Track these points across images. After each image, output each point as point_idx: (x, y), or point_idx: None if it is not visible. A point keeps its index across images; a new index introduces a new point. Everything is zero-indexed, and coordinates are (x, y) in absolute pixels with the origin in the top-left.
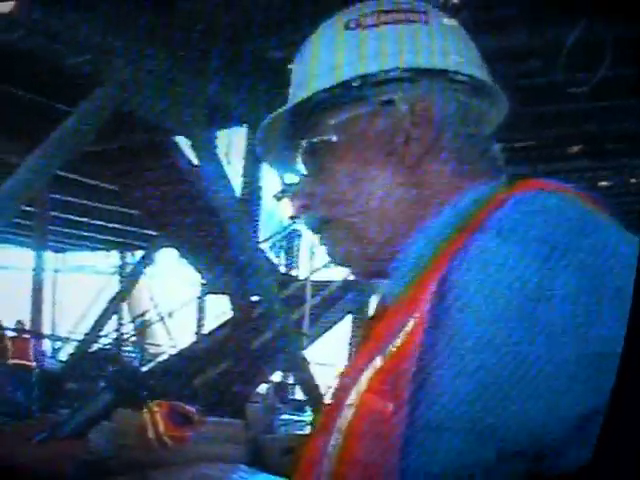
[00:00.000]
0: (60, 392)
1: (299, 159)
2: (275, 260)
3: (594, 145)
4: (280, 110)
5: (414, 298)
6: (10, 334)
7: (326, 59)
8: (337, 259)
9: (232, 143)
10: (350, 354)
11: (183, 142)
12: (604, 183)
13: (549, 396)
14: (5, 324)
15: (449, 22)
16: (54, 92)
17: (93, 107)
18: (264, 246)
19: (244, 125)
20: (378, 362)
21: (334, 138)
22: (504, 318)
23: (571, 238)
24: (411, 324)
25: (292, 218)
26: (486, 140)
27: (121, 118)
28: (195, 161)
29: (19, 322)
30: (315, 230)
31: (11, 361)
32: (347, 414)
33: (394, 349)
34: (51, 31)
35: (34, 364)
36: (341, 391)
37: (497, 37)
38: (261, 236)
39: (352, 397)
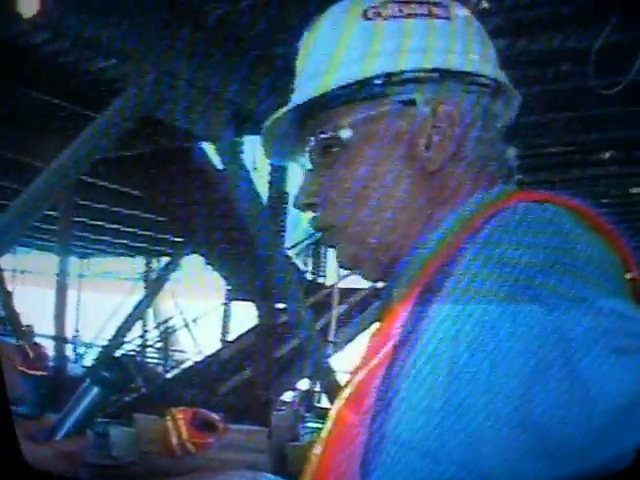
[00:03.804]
0: None
1: (305, 155)
2: (302, 267)
3: (626, 151)
4: (292, 104)
5: (401, 310)
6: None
7: (343, 51)
8: (345, 263)
9: (258, 149)
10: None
11: (209, 148)
12: (636, 190)
13: (512, 424)
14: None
15: (467, 16)
16: (78, 97)
17: (117, 112)
18: (291, 253)
19: None
20: (360, 376)
21: (349, 136)
22: (475, 344)
23: (548, 261)
24: (391, 341)
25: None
26: (501, 143)
27: (147, 124)
28: (221, 167)
29: (28, 326)
30: (319, 230)
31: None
32: (328, 425)
33: (375, 362)
34: (76, 35)
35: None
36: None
37: (527, 41)
38: (288, 243)
39: (334, 410)
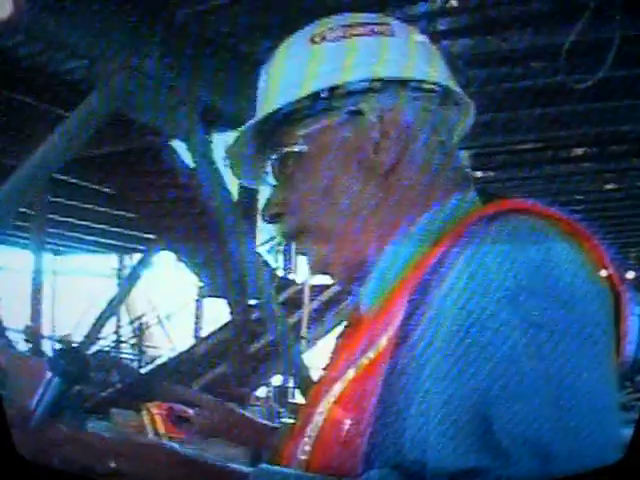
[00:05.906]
0: None
1: (269, 170)
2: (273, 263)
3: (598, 147)
4: (247, 124)
5: (388, 311)
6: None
7: (292, 73)
8: (315, 267)
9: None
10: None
11: (180, 146)
12: (609, 186)
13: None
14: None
15: (416, 35)
16: (51, 97)
17: (89, 111)
18: (262, 249)
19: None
20: (350, 374)
21: (304, 148)
22: (470, 340)
23: (532, 274)
24: (384, 340)
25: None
26: (454, 148)
27: (118, 122)
28: (192, 165)
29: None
30: (288, 238)
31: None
32: (317, 422)
33: (365, 362)
34: (48, 36)
35: None
36: (315, 398)
37: (498, 40)
38: (258, 239)
39: (323, 406)
